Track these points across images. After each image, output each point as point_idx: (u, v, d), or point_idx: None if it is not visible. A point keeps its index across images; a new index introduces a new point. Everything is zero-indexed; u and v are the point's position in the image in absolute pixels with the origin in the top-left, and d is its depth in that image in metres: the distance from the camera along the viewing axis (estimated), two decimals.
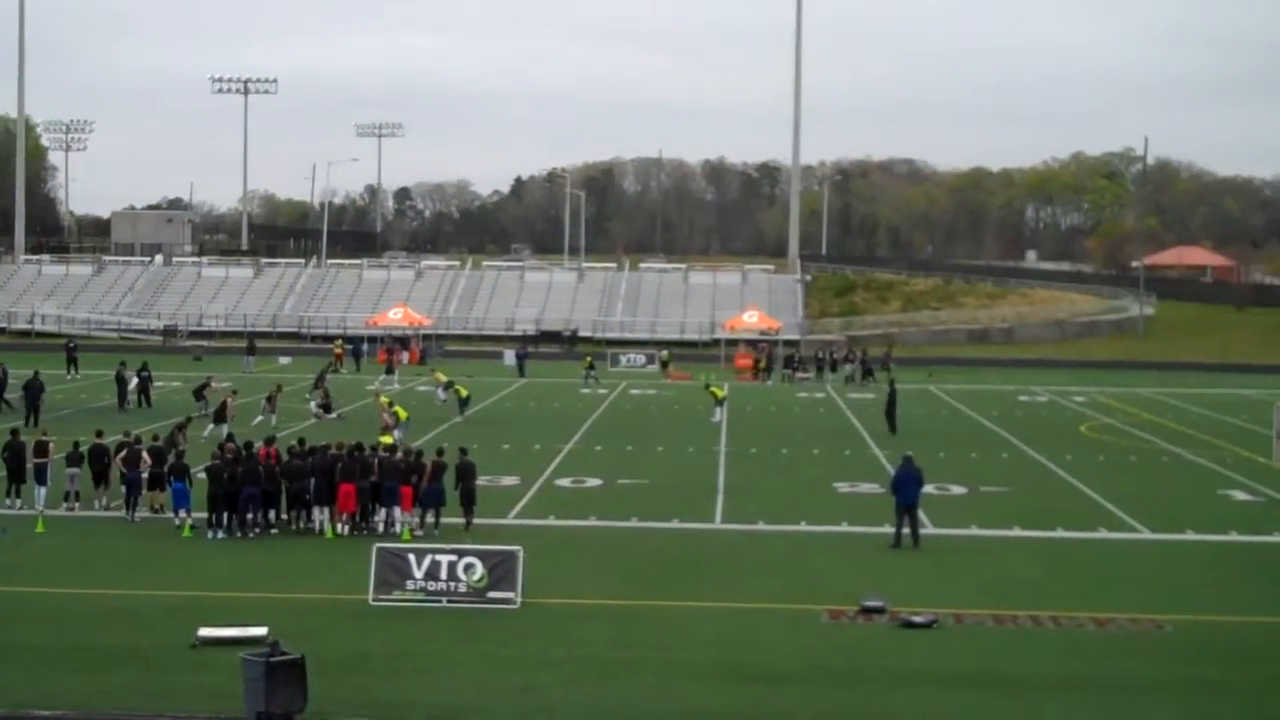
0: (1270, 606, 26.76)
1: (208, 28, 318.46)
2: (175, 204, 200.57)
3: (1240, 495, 40.11)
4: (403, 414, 47.78)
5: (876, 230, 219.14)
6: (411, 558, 26.03)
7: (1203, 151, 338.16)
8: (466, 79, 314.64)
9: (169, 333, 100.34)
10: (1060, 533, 34.04)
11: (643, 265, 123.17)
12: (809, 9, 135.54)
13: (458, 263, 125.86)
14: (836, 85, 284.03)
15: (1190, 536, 33.81)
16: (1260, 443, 49.24)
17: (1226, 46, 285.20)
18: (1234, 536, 33.88)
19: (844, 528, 34.17)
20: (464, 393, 55.97)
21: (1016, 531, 34.12)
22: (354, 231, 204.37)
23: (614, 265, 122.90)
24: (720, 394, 56.74)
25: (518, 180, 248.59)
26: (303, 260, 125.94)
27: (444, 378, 60.08)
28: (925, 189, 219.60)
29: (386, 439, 36.70)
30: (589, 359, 75.61)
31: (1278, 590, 28.36)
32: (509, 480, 40.04)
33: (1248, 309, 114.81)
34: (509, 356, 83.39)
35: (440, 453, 33.51)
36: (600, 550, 31.26)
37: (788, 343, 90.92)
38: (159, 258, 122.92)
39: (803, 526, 34.26)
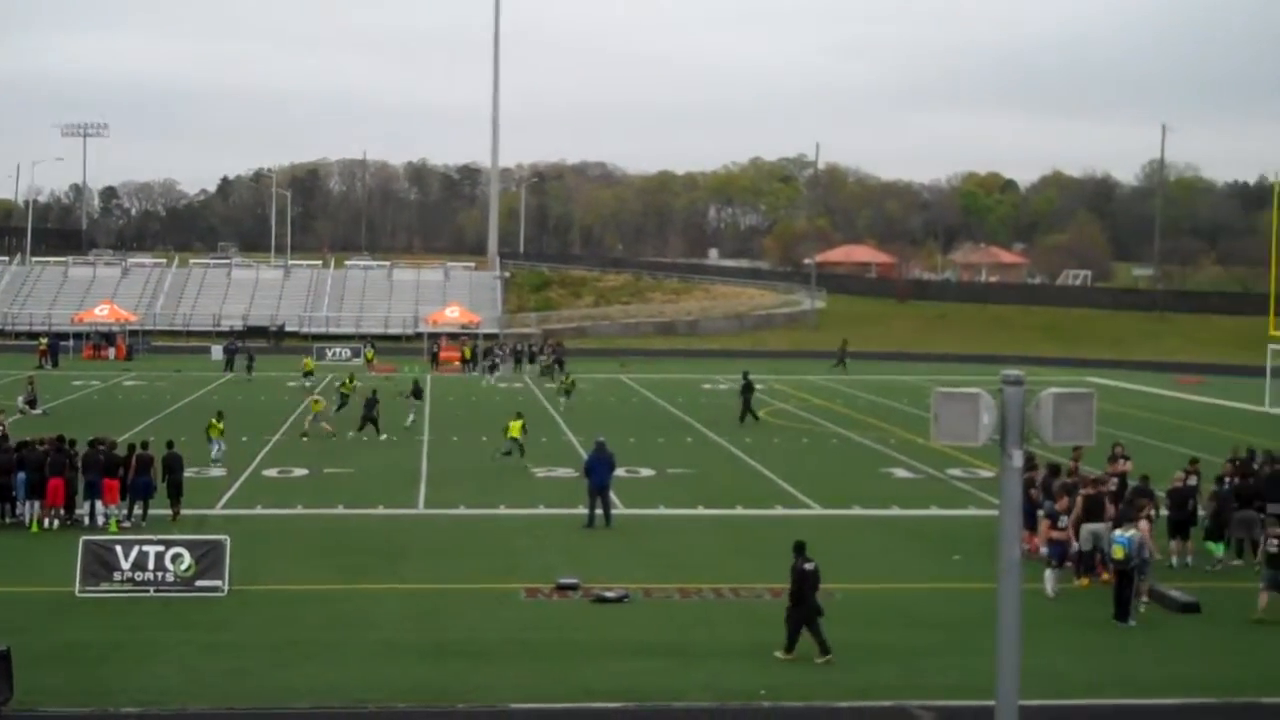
0: (928, 574, 27.87)
1: None
2: None
3: (901, 473, 41.61)
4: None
5: (571, 230, 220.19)
6: (118, 549, 25.27)
7: (868, 157, 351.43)
8: (173, 80, 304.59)
9: None
10: (740, 510, 34.83)
11: (348, 263, 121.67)
12: (506, 16, 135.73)
13: (164, 260, 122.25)
14: (532, 91, 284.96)
15: (856, 511, 34.96)
16: (919, 424, 51.13)
17: (891, 60, 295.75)
18: (895, 511, 35.17)
19: (540, 510, 34.33)
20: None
21: (700, 510, 34.77)
22: (59, 230, 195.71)
23: (320, 263, 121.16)
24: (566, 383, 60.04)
25: (224, 180, 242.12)
26: (6, 258, 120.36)
27: (321, 404, 49.23)
28: (615, 191, 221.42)
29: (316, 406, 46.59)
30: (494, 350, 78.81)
31: (934, 559, 29.50)
32: (216, 471, 39.05)
33: (907, 302, 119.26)
34: (216, 351, 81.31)
35: (145, 445, 32.51)
36: (307, 537, 30.78)
37: (487, 336, 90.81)
38: None
39: (502, 510, 34.31)
